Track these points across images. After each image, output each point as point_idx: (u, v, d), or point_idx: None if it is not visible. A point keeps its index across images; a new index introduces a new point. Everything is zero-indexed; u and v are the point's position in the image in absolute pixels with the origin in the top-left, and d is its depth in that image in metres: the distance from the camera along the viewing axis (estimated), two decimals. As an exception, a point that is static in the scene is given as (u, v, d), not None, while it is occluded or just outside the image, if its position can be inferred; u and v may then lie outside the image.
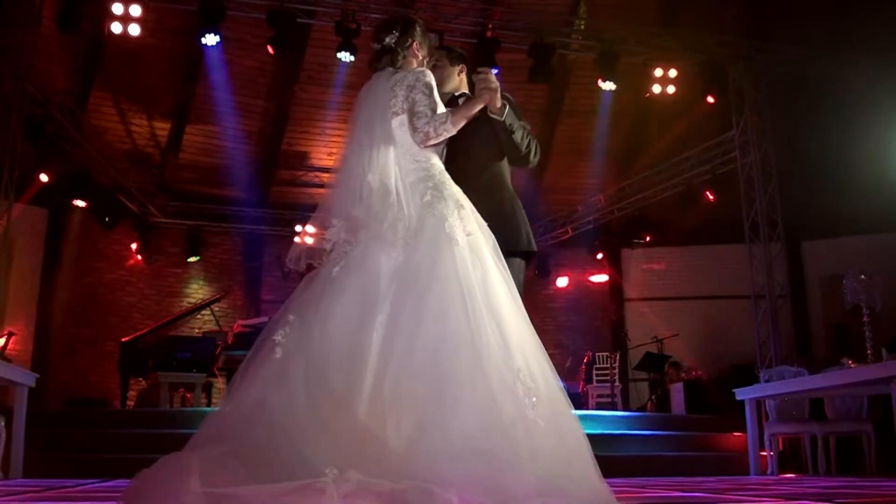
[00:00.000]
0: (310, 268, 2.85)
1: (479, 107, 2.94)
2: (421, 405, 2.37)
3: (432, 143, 2.84)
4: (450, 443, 2.30)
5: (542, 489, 2.24)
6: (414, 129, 2.82)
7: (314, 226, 2.86)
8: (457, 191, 2.83)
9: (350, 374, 2.43)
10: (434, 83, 2.91)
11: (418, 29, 3.07)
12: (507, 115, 3.08)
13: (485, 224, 2.80)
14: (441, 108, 2.89)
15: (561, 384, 2.64)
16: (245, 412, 2.46)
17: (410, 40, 3.04)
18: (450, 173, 2.92)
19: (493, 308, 2.57)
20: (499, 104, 3.03)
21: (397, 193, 2.72)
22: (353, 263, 2.65)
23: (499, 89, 2.97)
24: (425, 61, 3.11)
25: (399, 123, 2.86)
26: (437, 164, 2.90)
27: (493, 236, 2.79)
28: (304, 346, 2.51)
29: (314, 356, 2.48)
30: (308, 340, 2.52)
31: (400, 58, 3.01)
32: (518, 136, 3.14)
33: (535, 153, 3.25)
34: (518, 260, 3.15)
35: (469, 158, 3.07)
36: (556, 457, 2.38)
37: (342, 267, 2.65)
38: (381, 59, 3.01)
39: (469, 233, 2.69)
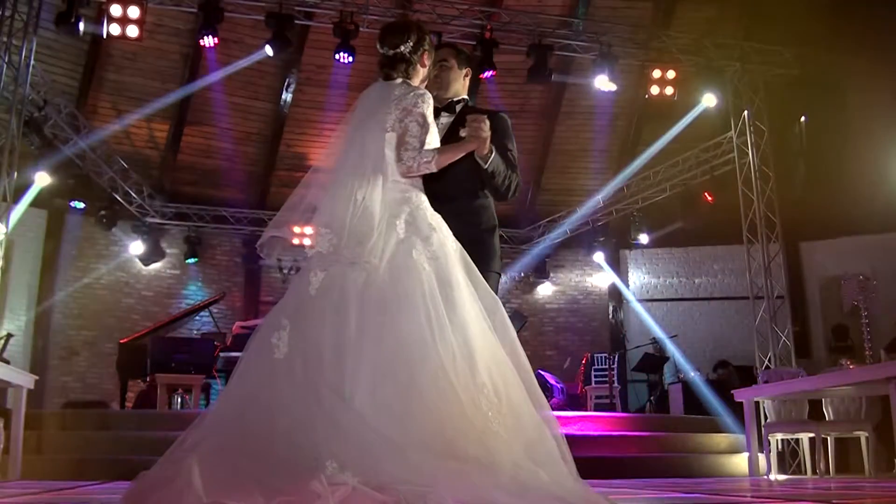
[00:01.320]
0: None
1: (466, 152, 3.00)
2: (394, 413, 2.43)
3: (412, 175, 2.87)
4: (427, 447, 2.36)
5: (518, 492, 2.28)
6: (399, 158, 2.85)
7: (292, 222, 2.87)
8: (430, 214, 2.85)
9: (341, 379, 2.49)
10: (429, 110, 2.92)
11: (428, 38, 3.07)
12: (491, 163, 3.12)
13: (458, 245, 2.84)
14: (430, 138, 2.91)
15: (537, 394, 2.69)
16: (246, 409, 2.50)
17: (422, 50, 3.03)
18: (429, 193, 2.95)
19: (459, 326, 2.62)
20: (485, 151, 3.06)
21: (379, 217, 2.74)
22: (331, 281, 2.67)
23: (488, 138, 3.01)
24: (429, 71, 3.12)
25: (388, 140, 2.86)
26: (417, 184, 2.91)
27: (468, 256, 2.83)
28: (301, 349, 2.56)
29: (312, 358, 2.53)
30: (305, 344, 2.57)
31: (412, 68, 3.01)
32: (498, 180, 3.19)
33: (514, 192, 3.30)
34: (493, 273, 3.19)
35: (449, 181, 3.09)
36: (523, 464, 2.42)
37: (322, 283, 2.67)
38: (396, 68, 2.99)
39: (437, 257, 2.73)
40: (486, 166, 3.11)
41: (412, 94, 2.91)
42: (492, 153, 3.10)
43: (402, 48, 2.99)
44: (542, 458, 2.49)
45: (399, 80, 2.98)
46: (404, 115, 2.87)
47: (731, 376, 10.17)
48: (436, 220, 2.85)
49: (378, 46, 3.04)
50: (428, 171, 2.89)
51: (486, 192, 3.30)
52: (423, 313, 2.59)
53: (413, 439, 2.36)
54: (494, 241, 3.29)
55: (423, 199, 2.89)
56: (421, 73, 3.06)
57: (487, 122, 3.00)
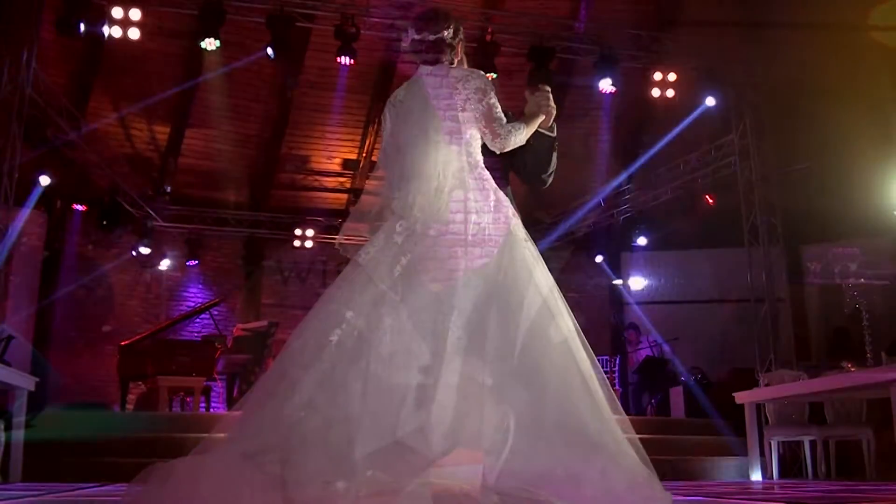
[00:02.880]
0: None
1: (541, 121, 3.04)
2: (530, 399, 2.36)
3: (507, 149, 2.86)
4: (565, 434, 2.32)
5: (636, 482, 2.32)
6: (494, 134, 2.82)
7: (362, 222, 2.79)
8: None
9: (416, 373, 2.35)
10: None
11: (462, 30, 3.03)
12: (556, 131, 3.17)
13: None
14: None
15: None
16: (287, 412, 2.33)
17: (458, 39, 2.99)
18: None
19: (558, 306, 2.59)
20: (550, 122, 3.12)
21: (467, 190, 2.68)
22: (422, 260, 2.55)
23: (554, 109, 3.09)
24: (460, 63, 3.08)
25: (463, 120, 2.80)
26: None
27: None
28: (363, 345, 2.40)
29: (377, 356, 2.37)
30: (370, 339, 2.40)
31: (453, 53, 2.96)
32: (554, 154, 3.25)
33: (552, 175, 3.33)
34: None
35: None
36: (630, 451, 2.46)
37: (409, 262, 2.55)
38: (444, 51, 2.92)
39: (528, 238, 2.71)
40: (554, 135, 3.19)
41: (475, 75, 2.86)
42: (555, 126, 3.16)
43: (445, 34, 2.93)
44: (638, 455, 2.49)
45: (447, 63, 2.91)
46: (481, 94, 2.81)
47: (731, 379, 10.15)
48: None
49: (414, 34, 2.95)
50: (518, 144, 2.88)
51: (509, 191, 3.28)
52: (536, 294, 2.51)
53: (543, 436, 2.30)
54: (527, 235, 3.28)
55: None
56: (455, 63, 3.00)
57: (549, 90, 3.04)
